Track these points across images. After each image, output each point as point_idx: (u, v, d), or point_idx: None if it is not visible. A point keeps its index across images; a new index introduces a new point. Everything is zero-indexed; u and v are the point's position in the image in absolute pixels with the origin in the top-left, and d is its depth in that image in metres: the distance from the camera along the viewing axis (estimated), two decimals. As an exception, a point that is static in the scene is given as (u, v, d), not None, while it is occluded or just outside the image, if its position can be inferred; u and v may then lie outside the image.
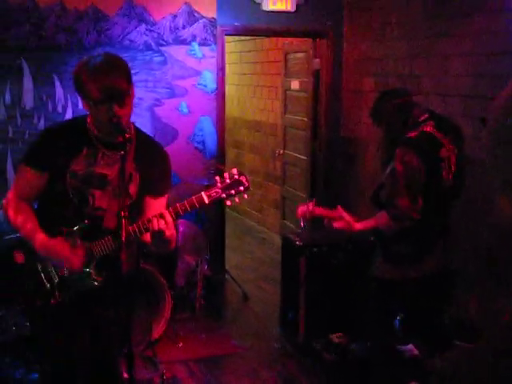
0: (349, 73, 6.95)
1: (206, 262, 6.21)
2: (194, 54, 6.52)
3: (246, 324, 5.95)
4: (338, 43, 6.96)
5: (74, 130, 3.01)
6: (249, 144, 9.85)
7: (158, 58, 6.40)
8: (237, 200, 2.81)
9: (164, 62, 6.43)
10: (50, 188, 2.99)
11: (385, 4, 6.28)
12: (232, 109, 10.15)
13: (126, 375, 2.93)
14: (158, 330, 5.12)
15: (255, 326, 5.89)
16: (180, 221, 6.04)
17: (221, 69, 6.67)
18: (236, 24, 6.63)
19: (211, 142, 6.72)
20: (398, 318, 4.31)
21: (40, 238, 2.92)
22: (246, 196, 2.81)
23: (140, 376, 4.22)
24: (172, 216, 2.79)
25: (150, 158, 3.07)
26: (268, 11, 6.65)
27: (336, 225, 4.02)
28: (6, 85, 5.99)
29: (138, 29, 6.31)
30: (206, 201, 2.76)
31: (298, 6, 6.71)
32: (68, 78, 6.09)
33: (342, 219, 3.99)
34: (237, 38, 9.22)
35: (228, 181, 2.77)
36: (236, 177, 2.79)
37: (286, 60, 8.05)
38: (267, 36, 7.97)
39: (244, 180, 2.79)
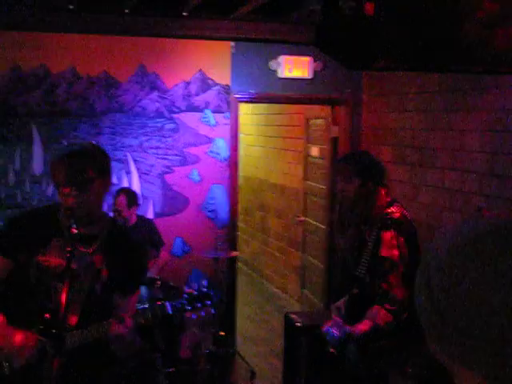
0: (367, 141, 6.75)
1: (213, 335, 5.99)
2: (207, 122, 6.41)
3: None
4: (356, 111, 6.78)
5: (44, 219, 2.90)
6: (274, 207, 9.67)
7: (169, 125, 6.31)
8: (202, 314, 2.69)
9: (176, 129, 6.33)
10: (15, 275, 2.86)
11: (403, 74, 6.09)
12: (258, 171, 10.03)
13: None
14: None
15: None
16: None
17: (234, 136, 6.53)
18: (251, 91, 6.50)
19: (223, 211, 6.55)
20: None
21: None
22: (212, 311, 2.72)
23: None
24: (133, 322, 2.65)
25: (122, 255, 2.93)
26: (284, 78, 6.51)
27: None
28: (16, 150, 5.97)
29: (149, 96, 6.24)
30: (170, 311, 2.65)
31: (315, 72, 6.57)
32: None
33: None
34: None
35: (195, 293, 2.69)
36: (205, 290, 2.69)
37: (307, 125, 7.90)
38: (283, 103, 7.83)
39: (212, 294, 2.68)
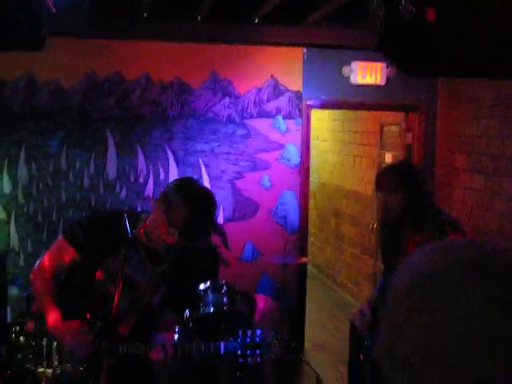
0: (442, 148, 6.61)
1: (280, 340, 5.96)
2: (278, 128, 6.41)
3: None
4: (431, 117, 6.64)
5: (119, 227, 2.96)
6: (348, 214, 9.58)
7: (241, 131, 6.34)
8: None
9: (247, 135, 6.36)
10: (80, 272, 2.97)
11: (479, 81, 5.93)
12: (333, 177, 9.96)
13: None
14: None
15: (324, 416, 5.55)
16: (258, 296, 5.87)
17: (305, 143, 6.50)
18: (322, 97, 6.47)
19: (293, 217, 6.53)
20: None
21: (54, 317, 2.87)
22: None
23: None
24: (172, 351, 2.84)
25: (185, 273, 3.08)
26: (357, 85, 6.45)
27: None
28: (91, 155, 6.12)
29: (221, 102, 6.29)
30: (222, 352, 2.98)
31: (388, 79, 6.47)
32: (151, 149, 6.16)
33: None
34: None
35: (248, 340, 3.12)
36: (257, 339, 3.14)
37: (381, 132, 7.80)
38: (356, 110, 7.75)
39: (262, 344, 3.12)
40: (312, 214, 10.76)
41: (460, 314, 0.86)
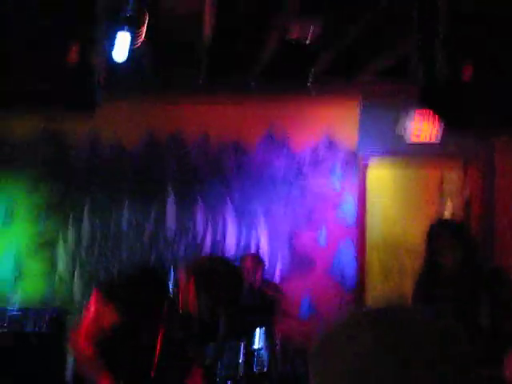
0: (500, 204, 6.51)
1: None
2: (333, 186, 6.46)
3: None
4: (489, 172, 6.57)
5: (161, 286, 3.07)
6: (411, 269, 9.44)
7: (297, 190, 6.42)
8: None
9: (302, 194, 6.43)
10: (124, 336, 3.02)
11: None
12: (396, 233, 9.88)
13: None
14: None
15: None
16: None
17: (361, 200, 6.53)
18: (378, 155, 6.50)
19: (350, 275, 6.52)
20: None
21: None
22: None
23: None
24: None
25: None
26: (411, 144, 6.46)
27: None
28: (150, 212, 6.29)
29: (277, 161, 6.40)
30: None
31: (443, 136, 6.45)
32: (209, 207, 6.29)
33: None
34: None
35: None
36: None
37: (440, 187, 7.74)
38: (412, 168, 7.68)
39: None
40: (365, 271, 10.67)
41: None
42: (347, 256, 6.51)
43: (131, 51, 4.04)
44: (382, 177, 9.88)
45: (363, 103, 6.35)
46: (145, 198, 6.28)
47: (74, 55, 2.89)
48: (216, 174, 6.36)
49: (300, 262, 6.45)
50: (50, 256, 6.17)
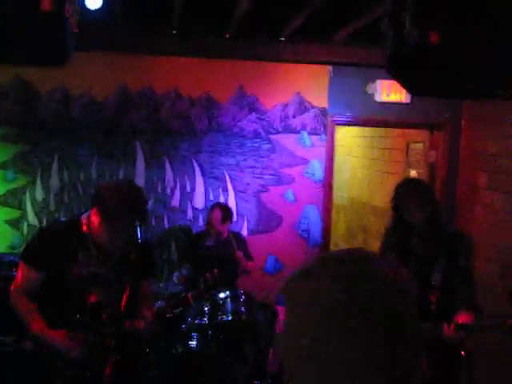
0: (464, 167, 6.66)
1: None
2: (303, 143, 6.54)
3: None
4: (455, 136, 6.70)
5: (72, 235, 3.24)
6: (375, 230, 9.64)
7: (266, 146, 6.49)
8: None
9: (272, 150, 6.51)
10: (51, 285, 3.20)
11: (503, 101, 5.99)
12: (361, 193, 10.05)
13: None
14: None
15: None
16: (281, 308, 5.98)
17: (329, 158, 6.62)
18: (347, 114, 6.59)
19: (316, 231, 6.65)
20: None
21: (39, 325, 3.12)
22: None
23: None
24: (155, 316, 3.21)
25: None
26: (381, 102, 6.56)
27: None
28: (120, 165, 6.32)
29: (248, 117, 6.46)
30: (192, 302, 3.27)
31: (412, 97, 6.56)
32: (178, 161, 6.34)
33: None
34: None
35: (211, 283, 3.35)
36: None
37: (407, 149, 7.87)
38: (380, 127, 7.83)
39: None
40: (341, 228, 10.87)
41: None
42: (314, 213, 6.62)
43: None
44: (350, 137, 10.02)
45: (335, 64, 6.40)
46: (114, 152, 6.30)
47: (47, 3, 2.88)
48: (186, 128, 6.39)
49: (267, 217, 6.55)
50: (18, 203, 6.19)
